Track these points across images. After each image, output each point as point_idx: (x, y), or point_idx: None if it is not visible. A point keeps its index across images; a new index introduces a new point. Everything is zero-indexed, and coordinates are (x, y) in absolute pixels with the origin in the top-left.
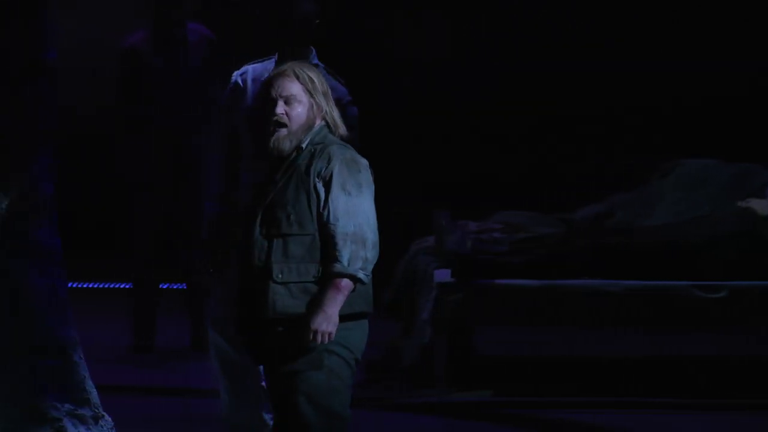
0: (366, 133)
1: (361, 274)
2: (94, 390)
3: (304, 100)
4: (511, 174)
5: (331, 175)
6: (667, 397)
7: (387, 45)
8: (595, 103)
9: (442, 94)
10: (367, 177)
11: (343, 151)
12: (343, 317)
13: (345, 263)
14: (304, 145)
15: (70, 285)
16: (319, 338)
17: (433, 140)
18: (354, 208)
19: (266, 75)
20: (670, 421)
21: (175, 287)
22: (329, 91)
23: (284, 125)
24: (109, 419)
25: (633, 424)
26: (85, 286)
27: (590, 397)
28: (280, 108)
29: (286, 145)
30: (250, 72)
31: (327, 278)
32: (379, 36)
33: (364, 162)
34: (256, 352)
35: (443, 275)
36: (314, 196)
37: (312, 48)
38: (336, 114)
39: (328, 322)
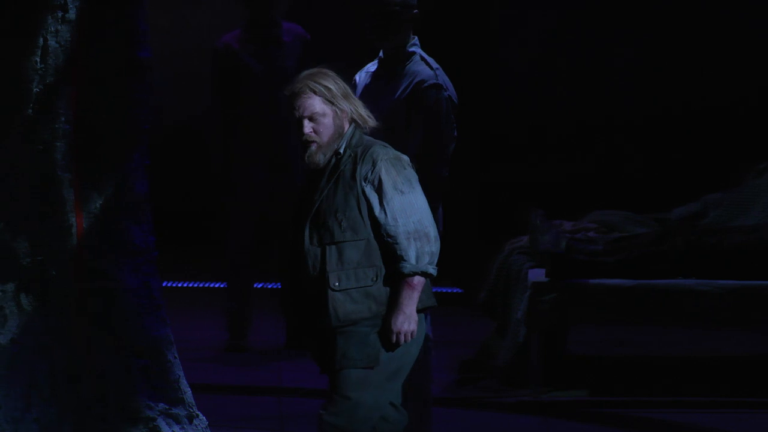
0: (462, 131)
1: (431, 269)
2: (189, 389)
3: (327, 112)
4: (605, 173)
5: (380, 177)
6: (761, 397)
7: (481, 43)
8: (688, 102)
9: (537, 94)
10: (412, 173)
11: (385, 151)
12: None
13: (414, 261)
14: (341, 150)
15: (164, 284)
16: (402, 338)
17: (529, 139)
18: (410, 206)
19: (363, 75)
20: (763, 420)
21: (269, 286)
22: (348, 90)
23: (314, 142)
24: (203, 418)
25: (726, 424)
26: (179, 285)
27: (684, 396)
28: (308, 128)
29: (321, 159)
30: (358, 77)
31: (399, 279)
32: (473, 33)
33: (406, 158)
34: (322, 359)
35: (537, 275)
36: (364, 200)
37: (411, 35)
38: (361, 108)
39: (409, 321)
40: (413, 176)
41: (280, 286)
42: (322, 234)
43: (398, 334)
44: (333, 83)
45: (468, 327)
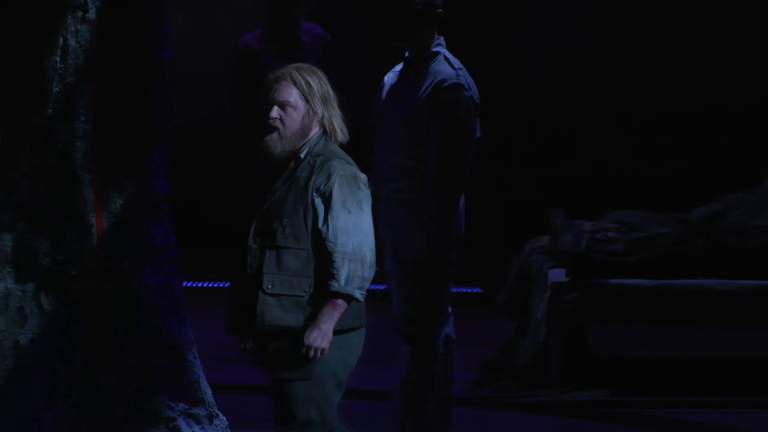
0: (484, 131)
1: (357, 294)
2: (209, 389)
3: (299, 106)
4: (625, 173)
5: (332, 192)
6: None
7: (502, 42)
8: (708, 102)
9: (558, 94)
10: (366, 194)
11: (343, 166)
12: (336, 332)
13: (342, 283)
14: (302, 155)
15: (184, 284)
16: (312, 353)
17: (549, 139)
18: (354, 227)
19: (391, 75)
20: None
21: None
22: (330, 96)
23: (276, 129)
24: (224, 418)
25: (747, 424)
26: (200, 285)
27: (704, 396)
28: (274, 113)
29: (277, 148)
30: (387, 78)
31: (324, 296)
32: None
33: (363, 177)
34: (259, 357)
35: (558, 275)
36: (311, 210)
37: (437, 36)
38: (337, 119)
39: (322, 338)
40: (365, 197)
41: None
42: (266, 235)
43: (309, 348)
44: (316, 82)
45: (488, 327)
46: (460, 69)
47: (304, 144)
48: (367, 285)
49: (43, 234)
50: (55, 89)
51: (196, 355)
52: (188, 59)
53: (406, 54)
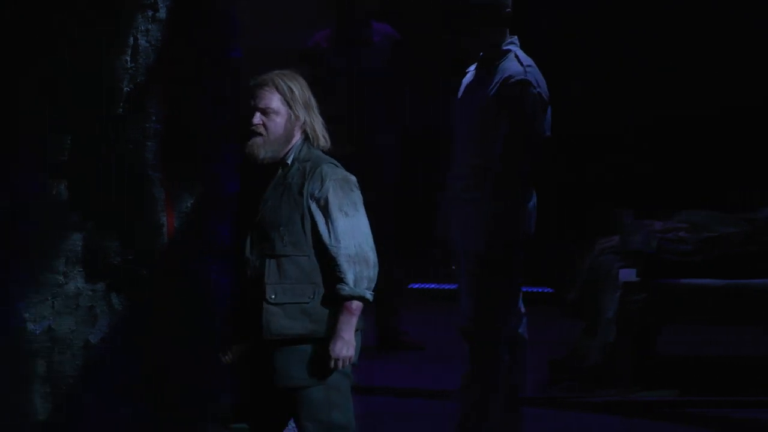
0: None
1: (368, 294)
2: None
3: (282, 111)
4: (694, 173)
5: (327, 198)
6: None
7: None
8: None
9: (626, 93)
10: (358, 195)
11: (334, 170)
12: None
13: (352, 285)
14: (289, 161)
15: None
16: (341, 365)
17: (619, 139)
18: (353, 229)
19: (468, 75)
20: None
21: None
22: (311, 102)
23: (260, 134)
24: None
25: None
26: None
27: None
28: (257, 118)
29: (261, 153)
30: (465, 79)
31: (336, 301)
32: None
33: (354, 179)
34: (253, 371)
35: (628, 275)
36: (309, 217)
37: (508, 35)
38: (319, 124)
39: (348, 347)
40: (359, 199)
41: None
42: (264, 245)
43: (337, 360)
44: (298, 88)
45: (558, 327)
46: (528, 66)
47: (289, 150)
48: (373, 285)
49: (114, 234)
50: (125, 89)
51: None
52: (259, 59)
53: (481, 54)
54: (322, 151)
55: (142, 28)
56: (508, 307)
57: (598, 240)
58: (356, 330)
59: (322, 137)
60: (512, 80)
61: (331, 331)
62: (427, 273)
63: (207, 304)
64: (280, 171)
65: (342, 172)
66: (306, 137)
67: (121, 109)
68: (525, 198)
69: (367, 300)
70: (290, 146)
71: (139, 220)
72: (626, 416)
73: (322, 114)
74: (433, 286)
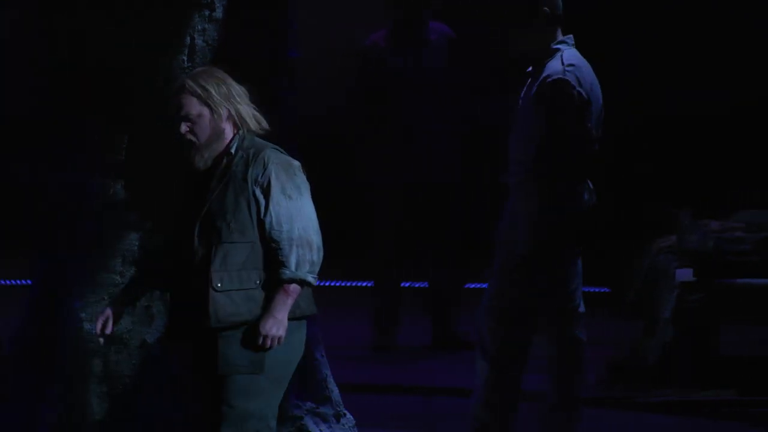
0: (610, 131)
1: (309, 278)
2: (336, 388)
3: (204, 113)
4: (752, 172)
5: (269, 181)
6: None
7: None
8: None
9: (684, 93)
10: (303, 179)
11: (276, 155)
12: (288, 320)
13: (293, 268)
14: (233, 150)
15: None
16: (269, 342)
17: (675, 138)
18: (296, 212)
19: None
20: None
21: (416, 285)
22: (233, 91)
23: (191, 142)
24: (351, 417)
25: None
26: (326, 284)
27: None
28: (183, 127)
29: (199, 160)
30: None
31: (276, 284)
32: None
33: (297, 163)
34: (195, 360)
35: (685, 274)
36: (254, 202)
37: (555, 33)
38: (247, 111)
39: (278, 326)
40: (303, 182)
41: (427, 285)
42: (211, 234)
43: (266, 337)
44: (214, 85)
45: (616, 327)
46: (569, 66)
47: (231, 141)
48: (317, 269)
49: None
50: None
51: (323, 354)
52: (317, 59)
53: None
54: (261, 136)
55: (199, 27)
56: (530, 309)
57: (655, 240)
58: (302, 316)
59: (254, 121)
60: (549, 79)
61: (264, 310)
62: (485, 273)
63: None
64: (224, 160)
65: (285, 157)
66: (246, 126)
67: None
68: (566, 199)
69: (309, 283)
70: (227, 140)
71: None
72: (685, 416)
73: (384, 114)
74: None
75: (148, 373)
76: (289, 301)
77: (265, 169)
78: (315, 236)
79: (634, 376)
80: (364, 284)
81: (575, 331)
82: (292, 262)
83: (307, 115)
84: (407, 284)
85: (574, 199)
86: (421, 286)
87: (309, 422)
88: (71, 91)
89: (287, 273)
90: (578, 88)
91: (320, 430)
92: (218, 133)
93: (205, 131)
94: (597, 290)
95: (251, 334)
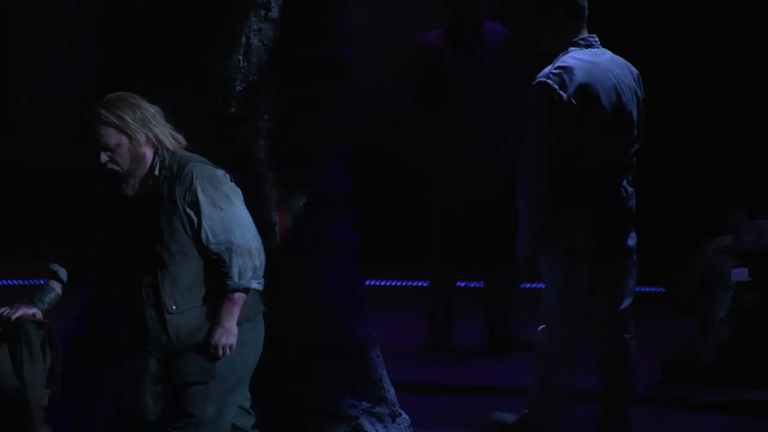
0: (659, 126)
1: (254, 284)
2: (391, 388)
3: (122, 141)
4: None
5: (197, 197)
6: None
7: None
8: None
9: (741, 90)
10: (231, 187)
11: (199, 168)
12: (240, 323)
13: (236, 278)
14: (156, 172)
15: (367, 283)
16: (221, 352)
17: (731, 136)
18: (230, 221)
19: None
20: None
21: (472, 285)
22: (147, 114)
23: (114, 171)
24: (406, 417)
25: None
26: (382, 283)
27: None
28: (103, 157)
29: (126, 188)
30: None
31: (222, 293)
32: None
33: (221, 173)
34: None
35: (740, 274)
36: (187, 220)
37: (574, 32)
38: (164, 133)
39: (227, 335)
40: (232, 190)
41: (483, 285)
42: (152, 261)
43: (216, 347)
44: (129, 112)
45: (671, 326)
46: (558, 69)
47: (152, 163)
48: (261, 273)
49: None
50: (238, 88)
51: (379, 354)
52: (371, 59)
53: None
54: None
55: (255, 27)
56: (570, 309)
57: (710, 240)
58: (249, 318)
59: (171, 141)
60: (533, 82)
61: (213, 321)
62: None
63: (319, 303)
64: (149, 182)
65: (208, 169)
66: (165, 147)
67: (233, 109)
68: (556, 204)
69: (254, 290)
70: (148, 163)
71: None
72: (740, 416)
73: (441, 114)
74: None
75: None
76: (236, 309)
77: (191, 185)
78: (254, 242)
79: (689, 376)
80: (420, 284)
81: (620, 333)
82: (235, 272)
83: (362, 115)
84: (463, 284)
85: (575, 207)
86: (477, 285)
87: (365, 422)
88: (131, 92)
89: (231, 283)
90: (560, 92)
91: (376, 429)
92: (139, 159)
93: (126, 159)
94: (652, 290)
95: (203, 345)
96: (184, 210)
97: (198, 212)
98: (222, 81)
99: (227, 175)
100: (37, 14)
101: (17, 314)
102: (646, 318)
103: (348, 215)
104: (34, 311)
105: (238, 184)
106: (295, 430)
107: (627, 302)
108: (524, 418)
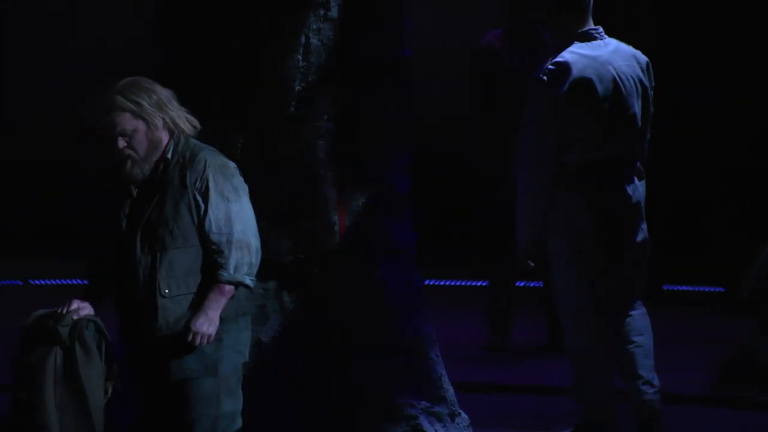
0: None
1: (247, 280)
2: (451, 388)
3: (139, 127)
4: None
5: (207, 185)
6: None
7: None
8: None
9: None
10: (240, 180)
11: (212, 157)
12: (231, 317)
13: (232, 271)
14: (169, 156)
15: (426, 282)
16: (199, 339)
17: None
18: (235, 215)
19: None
20: None
21: (531, 285)
22: (162, 99)
23: (129, 157)
24: (465, 417)
25: None
26: (441, 283)
27: None
28: (120, 143)
29: (137, 174)
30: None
31: (212, 283)
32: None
33: (233, 165)
34: (145, 367)
35: None
36: (195, 207)
37: (580, 23)
38: (178, 116)
39: (209, 324)
40: (240, 184)
41: (542, 285)
42: (153, 243)
43: (196, 334)
44: (145, 96)
45: (730, 326)
46: (553, 64)
47: (166, 147)
48: (254, 271)
49: (285, 232)
50: (297, 88)
51: (438, 354)
52: (431, 58)
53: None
54: (195, 137)
55: (314, 27)
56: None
57: None
58: (245, 313)
59: (187, 124)
60: (532, 76)
61: (197, 307)
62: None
63: (378, 303)
64: (161, 167)
65: (221, 159)
66: (180, 131)
67: (292, 108)
68: (551, 197)
69: (247, 285)
70: (163, 147)
71: (311, 219)
72: None
73: (501, 114)
74: None
75: (263, 373)
76: (223, 301)
77: (203, 173)
78: (253, 239)
79: (749, 376)
80: (479, 284)
81: (626, 330)
82: (231, 264)
83: (420, 114)
84: (522, 284)
85: (570, 198)
86: (537, 285)
87: (424, 421)
88: (190, 92)
89: (225, 275)
90: (554, 88)
91: (435, 429)
92: (155, 144)
93: (143, 144)
94: (711, 290)
95: (212, 346)
96: (194, 196)
97: (206, 200)
98: (281, 81)
99: (236, 168)
100: (95, 17)
101: (81, 313)
102: (706, 318)
103: (407, 215)
104: (88, 309)
105: (246, 180)
106: (356, 429)
107: (635, 297)
108: (579, 425)
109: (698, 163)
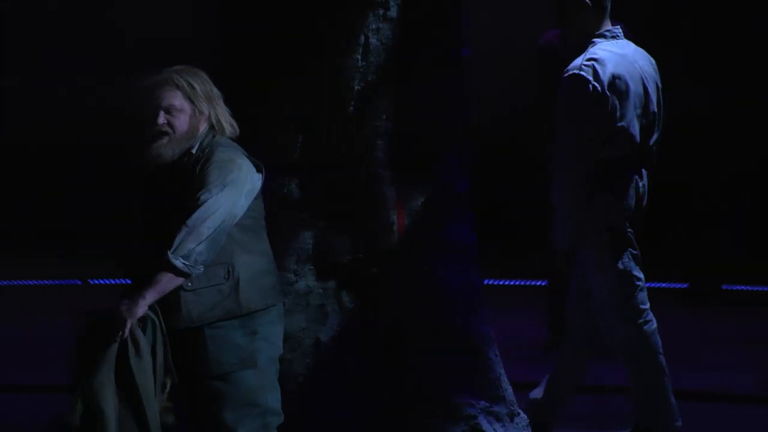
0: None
1: (178, 262)
2: (509, 387)
3: (186, 108)
4: None
5: (207, 177)
6: None
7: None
8: None
9: None
10: (237, 175)
11: (223, 153)
12: (260, 308)
13: (172, 250)
14: (194, 151)
15: (486, 282)
16: (118, 323)
17: None
18: (207, 205)
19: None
20: None
21: None
22: (213, 93)
23: (166, 134)
24: (524, 416)
25: None
26: (500, 282)
27: None
28: (162, 118)
29: (168, 153)
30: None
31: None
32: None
33: (239, 161)
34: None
35: None
36: None
37: (598, 22)
38: (224, 115)
39: (130, 308)
40: (234, 180)
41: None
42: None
43: (117, 313)
44: (199, 83)
45: None
46: (589, 60)
47: (194, 141)
48: (196, 259)
49: (345, 232)
50: (356, 87)
51: (497, 353)
52: (489, 58)
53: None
54: (232, 139)
55: (373, 26)
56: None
57: None
58: (270, 305)
59: (229, 126)
60: (565, 74)
61: (138, 286)
62: (657, 272)
63: (437, 303)
64: (185, 159)
65: (229, 154)
66: (211, 127)
67: (351, 108)
68: (589, 196)
69: (175, 267)
70: (198, 139)
71: (369, 219)
72: None
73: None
74: (663, 285)
75: (322, 373)
76: (161, 282)
77: (208, 168)
78: (206, 230)
79: None
80: (539, 283)
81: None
82: (175, 243)
83: (481, 114)
84: None
85: (604, 197)
86: None
87: (482, 421)
88: (249, 91)
89: (166, 254)
90: (593, 83)
91: (494, 429)
92: (194, 131)
93: (183, 125)
94: (759, 289)
95: (246, 339)
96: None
97: (200, 190)
98: (341, 81)
99: (243, 166)
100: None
101: (141, 311)
102: (754, 317)
103: (466, 215)
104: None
105: (265, 179)
106: (414, 429)
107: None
108: (637, 424)
109: (743, 161)
